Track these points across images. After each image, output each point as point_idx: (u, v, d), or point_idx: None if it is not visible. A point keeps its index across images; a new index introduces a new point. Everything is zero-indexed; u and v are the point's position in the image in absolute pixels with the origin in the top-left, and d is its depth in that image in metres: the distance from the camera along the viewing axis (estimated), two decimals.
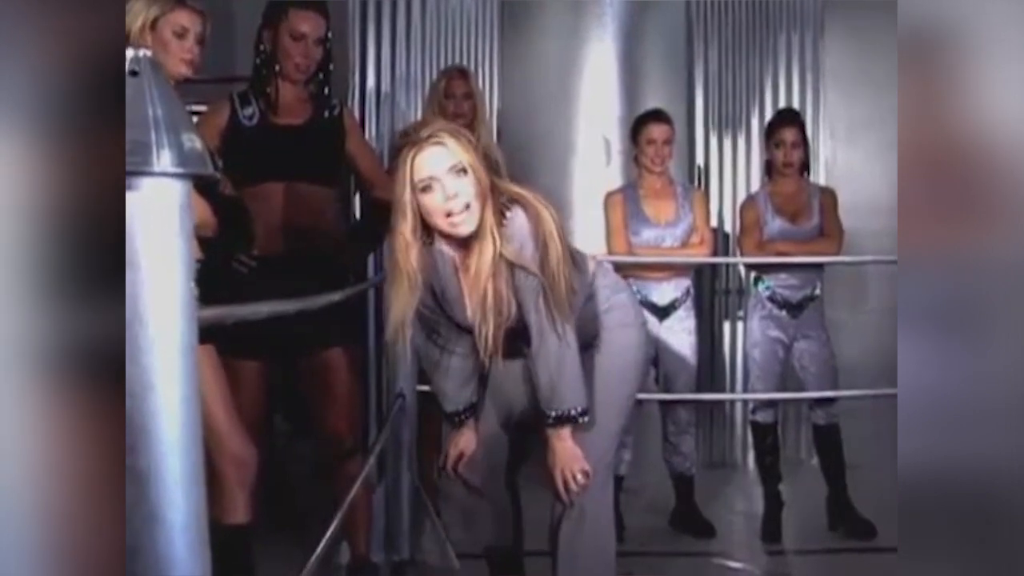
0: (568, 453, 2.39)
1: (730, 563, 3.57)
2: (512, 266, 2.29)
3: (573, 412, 2.37)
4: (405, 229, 2.27)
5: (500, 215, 2.28)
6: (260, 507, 2.89)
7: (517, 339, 2.39)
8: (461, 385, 2.53)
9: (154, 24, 2.38)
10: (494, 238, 2.26)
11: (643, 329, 2.63)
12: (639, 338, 2.58)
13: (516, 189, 2.35)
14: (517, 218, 2.29)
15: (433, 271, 2.35)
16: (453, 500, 2.75)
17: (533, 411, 2.54)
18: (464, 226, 2.25)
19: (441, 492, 3.83)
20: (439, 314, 2.42)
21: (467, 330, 2.39)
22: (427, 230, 2.32)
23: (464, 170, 2.23)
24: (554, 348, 2.32)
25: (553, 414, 2.37)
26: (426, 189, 2.24)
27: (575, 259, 2.42)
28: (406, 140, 2.34)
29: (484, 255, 2.27)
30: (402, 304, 2.31)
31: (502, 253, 2.27)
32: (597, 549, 2.50)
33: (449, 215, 2.24)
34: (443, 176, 2.23)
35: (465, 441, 2.57)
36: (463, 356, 2.49)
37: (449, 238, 2.31)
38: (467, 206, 2.24)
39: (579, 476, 2.39)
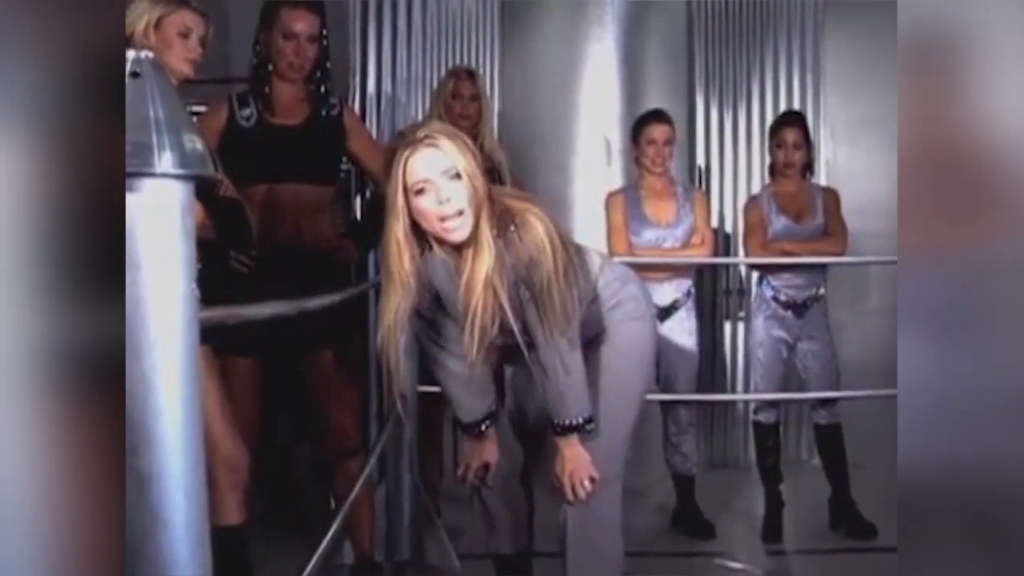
0: (577, 459, 2.39)
1: (731, 563, 3.57)
2: (507, 282, 2.23)
3: (578, 421, 2.36)
4: (398, 231, 2.21)
5: (502, 228, 2.22)
6: (264, 508, 2.89)
7: (518, 348, 2.36)
8: (478, 395, 2.48)
9: (158, 24, 2.38)
10: (489, 249, 2.20)
11: (653, 322, 2.59)
12: (649, 332, 2.54)
13: (512, 202, 2.28)
14: (521, 242, 2.23)
15: (432, 273, 2.31)
16: (462, 505, 2.71)
17: (544, 415, 2.54)
18: (457, 232, 2.20)
19: (442, 493, 3.84)
20: (443, 316, 2.38)
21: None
22: (424, 236, 2.27)
23: (459, 175, 2.17)
24: (555, 362, 2.29)
25: (559, 423, 2.37)
26: (420, 192, 2.18)
27: (579, 256, 2.39)
28: (401, 140, 2.28)
29: (478, 265, 2.20)
30: (393, 308, 2.25)
31: (502, 277, 2.21)
32: (606, 550, 2.49)
33: (443, 219, 2.18)
34: (437, 179, 2.17)
35: (489, 452, 2.53)
36: (473, 364, 2.37)
37: (443, 243, 2.26)
38: (460, 212, 2.18)
39: (586, 482, 2.39)
